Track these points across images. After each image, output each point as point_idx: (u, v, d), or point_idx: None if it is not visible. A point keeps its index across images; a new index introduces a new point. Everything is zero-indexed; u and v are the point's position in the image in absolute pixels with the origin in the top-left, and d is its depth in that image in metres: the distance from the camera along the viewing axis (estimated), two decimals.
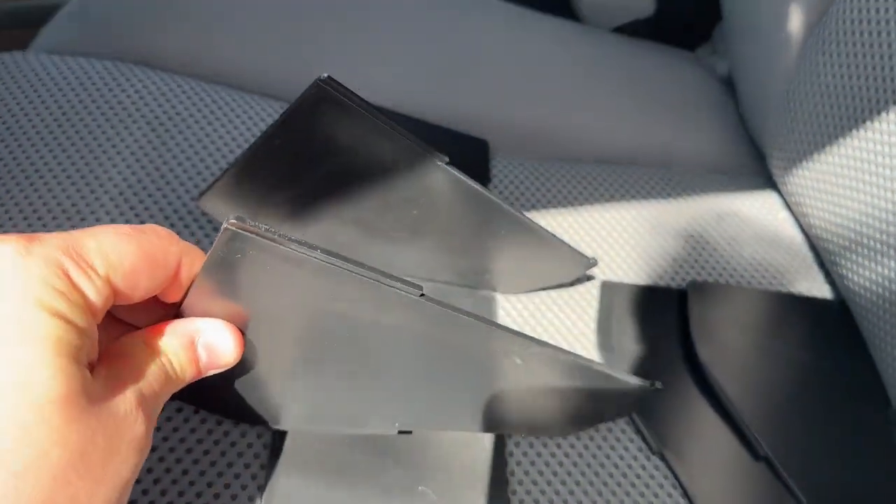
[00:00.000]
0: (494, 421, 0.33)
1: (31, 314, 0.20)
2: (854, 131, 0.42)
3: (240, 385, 0.30)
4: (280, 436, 0.33)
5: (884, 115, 0.40)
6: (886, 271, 0.41)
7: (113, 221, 0.38)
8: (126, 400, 0.22)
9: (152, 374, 0.24)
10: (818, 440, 0.39)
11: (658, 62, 0.60)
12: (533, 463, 0.35)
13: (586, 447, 0.37)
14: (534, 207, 0.46)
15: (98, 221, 0.37)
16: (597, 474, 0.36)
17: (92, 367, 0.22)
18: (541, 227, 0.37)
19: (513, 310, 0.41)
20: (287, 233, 0.25)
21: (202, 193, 0.36)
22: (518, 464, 0.35)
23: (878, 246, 0.41)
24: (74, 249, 0.22)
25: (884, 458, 0.40)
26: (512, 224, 0.37)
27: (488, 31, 0.56)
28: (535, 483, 0.35)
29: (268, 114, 0.45)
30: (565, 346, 0.40)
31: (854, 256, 0.44)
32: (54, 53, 0.47)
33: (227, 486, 0.31)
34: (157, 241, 0.24)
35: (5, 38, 0.66)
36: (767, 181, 0.54)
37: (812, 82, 0.45)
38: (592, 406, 0.34)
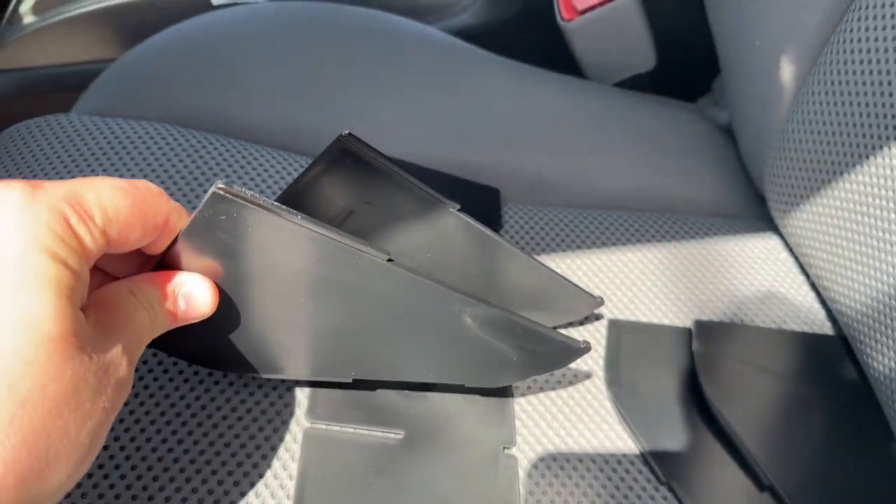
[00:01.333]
0: (441, 373, 0.35)
1: (35, 257, 0.22)
2: (846, 174, 0.44)
3: (224, 336, 0.32)
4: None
5: (872, 158, 0.42)
6: (883, 307, 0.43)
7: None
8: (115, 345, 0.24)
9: (138, 321, 0.26)
10: (821, 470, 0.41)
11: (660, 113, 0.63)
12: (545, 493, 0.37)
13: (596, 477, 0.38)
14: (543, 251, 0.49)
15: None
16: (606, 503, 0.38)
17: (83, 311, 0.24)
18: (549, 268, 0.40)
19: None
20: None
21: None
22: (531, 493, 0.37)
23: (874, 283, 0.43)
24: (75, 199, 0.23)
25: (886, 488, 0.41)
26: (521, 266, 0.39)
27: (499, 87, 0.59)
28: None
29: (295, 168, 0.48)
30: (576, 382, 0.42)
31: (852, 293, 0.45)
32: (94, 115, 0.50)
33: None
34: (149, 198, 0.26)
35: (50, 102, 0.71)
36: (768, 224, 0.56)
37: (804, 129, 0.48)
38: (530, 358, 0.35)
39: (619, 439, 0.40)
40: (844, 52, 0.43)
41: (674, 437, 0.41)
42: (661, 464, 0.39)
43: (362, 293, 0.31)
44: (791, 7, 0.48)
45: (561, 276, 0.40)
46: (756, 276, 0.51)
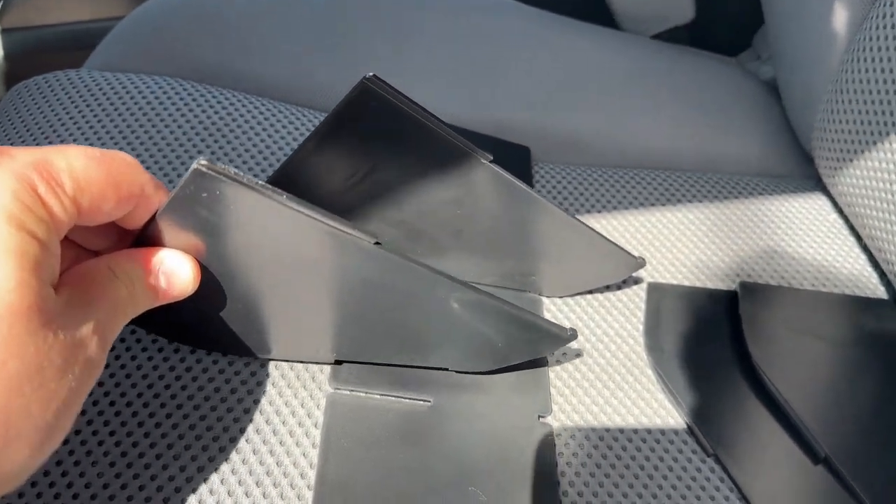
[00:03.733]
0: (425, 355, 0.34)
1: None
2: None
3: (206, 314, 0.31)
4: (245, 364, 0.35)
5: None
6: None
7: None
8: (85, 323, 0.23)
9: (113, 299, 0.25)
10: (878, 440, 0.38)
11: (699, 67, 0.60)
12: (584, 464, 0.35)
13: (639, 448, 0.36)
14: (576, 212, 0.46)
15: None
16: (651, 476, 0.35)
17: (55, 288, 0.23)
18: (587, 226, 0.37)
19: (559, 312, 0.41)
20: None
21: None
22: (568, 464, 0.35)
23: None
24: (44, 166, 0.22)
25: None
26: (558, 223, 0.37)
27: (529, 39, 0.56)
28: (586, 485, 0.34)
29: (312, 123, 0.46)
30: (614, 348, 0.40)
31: None
32: (105, 71, 0.48)
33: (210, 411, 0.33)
34: (124, 168, 0.24)
35: (61, 58, 0.69)
36: (816, 184, 0.53)
37: (858, 80, 0.44)
38: (515, 344, 0.34)
39: (661, 408, 0.38)
40: None
41: (720, 405, 0.38)
42: (707, 434, 0.37)
43: (349, 275, 0.30)
44: None
45: (600, 234, 0.38)
46: (804, 238, 0.48)
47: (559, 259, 0.39)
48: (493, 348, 0.34)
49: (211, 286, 0.29)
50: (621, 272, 0.40)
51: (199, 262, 0.28)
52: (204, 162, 0.24)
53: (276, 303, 0.31)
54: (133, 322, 0.28)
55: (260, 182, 0.25)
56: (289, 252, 0.28)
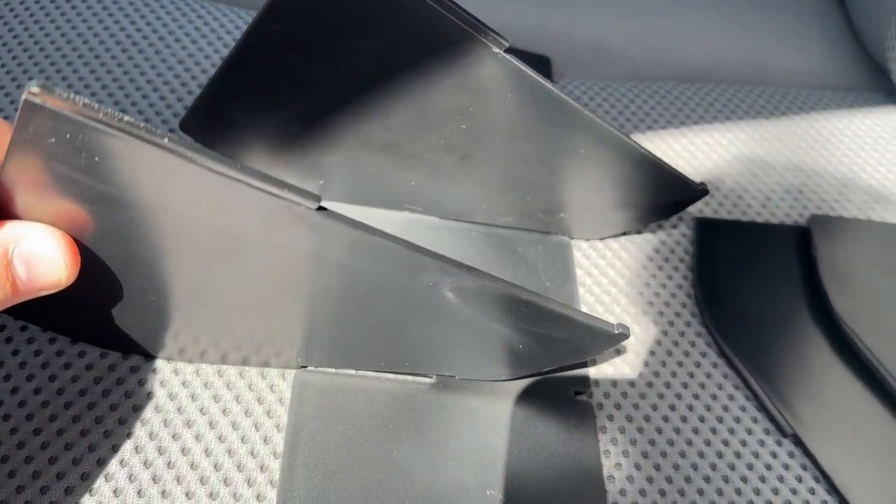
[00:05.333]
0: (420, 362, 0.27)
1: None
2: None
3: (103, 310, 0.24)
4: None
5: None
6: None
7: None
8: None
9: None
10: None
11: None
12: (626, 453, 0.27)
13: (696, 430, 0.29)
14: None
15: None
16: (714, 466, 0.28)
17: None
18: (637, 144, 0.28)
19: (586, 260, 0.33)
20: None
21: (185, 118, 0.29)
22: (605, 453, 0.27)
23: None
24: None
25: None
26: (598, 140, 0.28)
27: None
28: (630, 480, 0.27)
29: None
30: (659, 303, 0.31)
31: None
32: None
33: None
34: None
35: None
36: (888, 97, 0.46)
37: None
38: (543, 347, 0.26)
39: (721, 377, 0.31)
40: None
41: (796, 372, 0.31)
42: (782, 409, 0.29)
43: (289, 254, 0.22)
44: None
45: (654, 155, 0.29)
46: (881, 161, 0.40)
47: (595, 189, 0.31)
48: (512, 352, 0.26)
49: (101, 274, 0.22)
50: (678, 205, 0.32)
51: (78, 241, 0.20)
52: (36, 89, 0.16)
53: (201, 293, 0.23)
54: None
55: (126, 118, 0.17)
56: (199, 222, 0.20)
